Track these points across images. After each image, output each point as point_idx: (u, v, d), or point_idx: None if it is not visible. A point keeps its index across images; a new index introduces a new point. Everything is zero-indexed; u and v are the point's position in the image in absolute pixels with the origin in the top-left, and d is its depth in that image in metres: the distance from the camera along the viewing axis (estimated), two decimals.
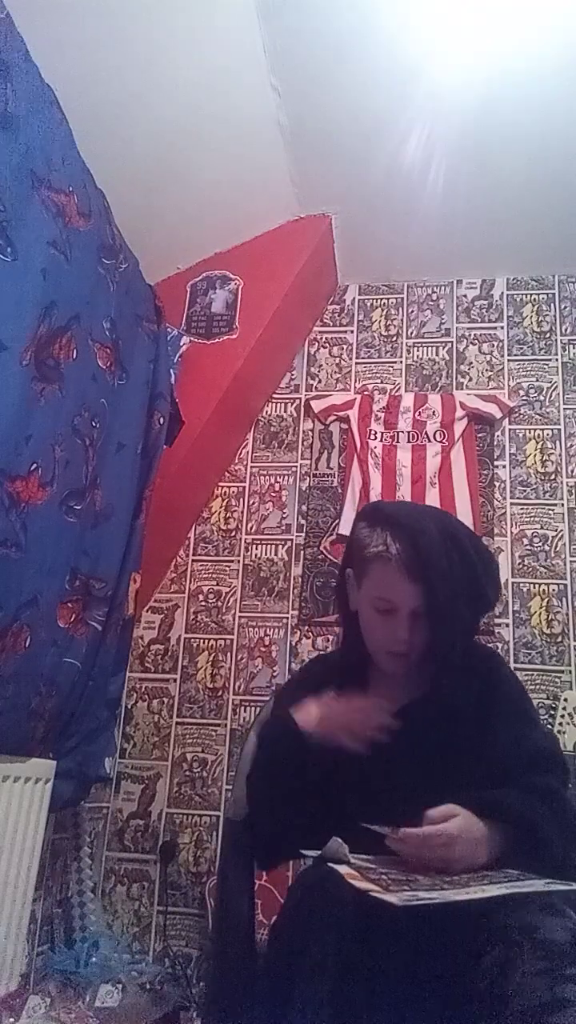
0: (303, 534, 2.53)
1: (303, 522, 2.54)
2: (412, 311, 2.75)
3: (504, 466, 2.50)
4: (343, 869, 0.92)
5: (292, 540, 2.53)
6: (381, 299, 2.78)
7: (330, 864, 0.94)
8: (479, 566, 1.20)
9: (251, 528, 2.56)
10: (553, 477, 2.47)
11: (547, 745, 1.18)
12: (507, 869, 0.97)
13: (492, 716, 1.14)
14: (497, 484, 2.48)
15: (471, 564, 1.18)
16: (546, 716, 2.20)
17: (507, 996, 0.81)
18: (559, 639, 2.30)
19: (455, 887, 0.89)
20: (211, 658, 2.43)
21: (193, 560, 2.55)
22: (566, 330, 2.63)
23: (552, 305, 2.66)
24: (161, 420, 2.04)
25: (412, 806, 0.99)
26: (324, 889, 0.91)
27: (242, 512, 2.58)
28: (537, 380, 2.59)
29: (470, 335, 2.68)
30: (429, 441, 2.52)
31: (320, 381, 2.71)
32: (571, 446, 2.49)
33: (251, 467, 2.63)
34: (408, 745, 1.12)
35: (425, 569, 1.12)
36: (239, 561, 2.53)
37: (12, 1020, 1.56)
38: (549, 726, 2.12)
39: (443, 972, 0.91)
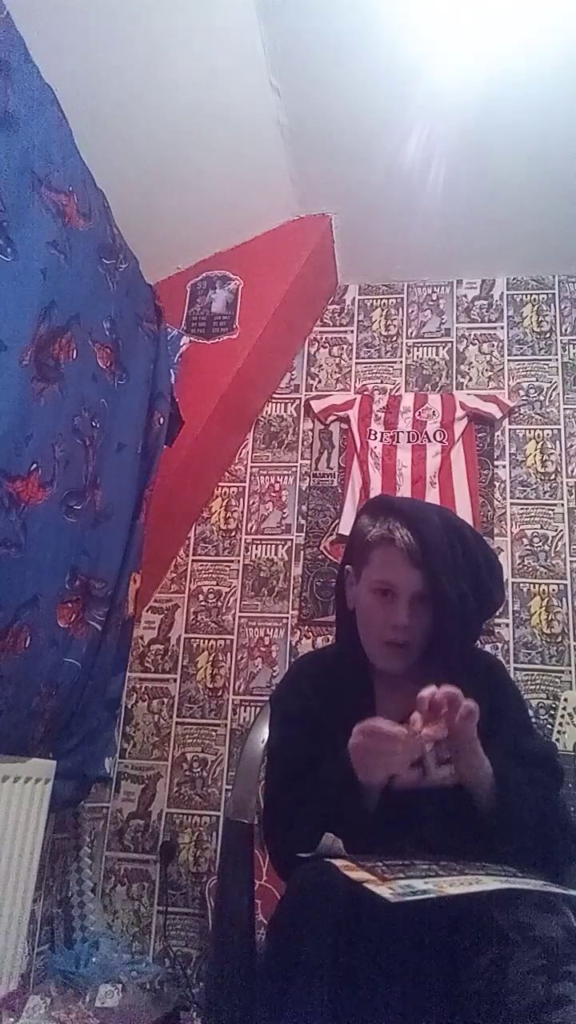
0: (303, 534, 2.53)
1: (303, 522, 2.54)
2: (412, 311, 2.75)
3: (504, 466, 2.50)
4: (338, 862, 0.91)
5: (292, 540, 2.53)
6: (381, 299, 2.78)
7: (326, 859, 0.94)
8: (483, 565, 1.18)
9: (251, 528, 2.56)
10: (553, 477, 2.47)
11: (545, 752, 1.17)
12: (505, 867, 0.97)
13: (492, 725, 1.10)
14: (497, 484, 2.48)
15: (475, 561, 1.17)
16: (546, 716, 2.20)
17: (504, 994, 0.81)
18: (559, 639, 2.30)
19: (450, 873, 0.89)
20: (211, 658, 2.43)
21: (193, 560, 2.55)
22: (566, 330, 2.63)
23: (552, 305, 2.66)
24: (161, 420, 2.04)
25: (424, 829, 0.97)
26: (318, 884, 0.90)
27: (242, 512, 2.58)
28: (537, 380, 2.58)
29: (470, 335, 2.68)
30: (429, 441, 2.52)
31: (320, 381, 2.71)
32: (571, 446, 2.49)
33: (251, 467, 2.63)
34: None
35: (427, 555, 1.10)
36: (239, 561, 2.53)
37: (12, 1020, 1.56)
38: (549, 726, 2.12)
39: (440, 969, 0.91)
